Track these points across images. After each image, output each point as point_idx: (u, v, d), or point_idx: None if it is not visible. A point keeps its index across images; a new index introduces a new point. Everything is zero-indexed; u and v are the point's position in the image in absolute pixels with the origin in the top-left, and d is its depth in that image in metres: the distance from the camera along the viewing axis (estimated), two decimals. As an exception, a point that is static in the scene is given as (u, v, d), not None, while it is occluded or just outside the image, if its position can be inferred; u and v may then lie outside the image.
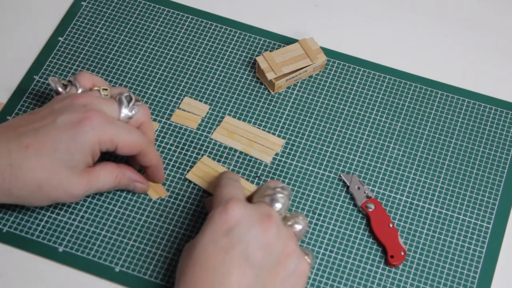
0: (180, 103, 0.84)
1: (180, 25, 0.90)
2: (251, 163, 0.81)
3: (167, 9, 0.91)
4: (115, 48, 0.88)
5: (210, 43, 0.89)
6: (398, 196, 0.79)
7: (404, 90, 0.86)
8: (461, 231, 0.77)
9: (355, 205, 0.78)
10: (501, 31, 0.91)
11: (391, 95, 0.85)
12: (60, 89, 0.75)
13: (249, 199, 0.73)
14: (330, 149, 0.82)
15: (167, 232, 0.76)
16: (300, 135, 0.82)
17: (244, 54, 0.88)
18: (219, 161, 0.81)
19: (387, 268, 0.75)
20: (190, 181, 0.79)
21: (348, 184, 0.79)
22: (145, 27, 0.90)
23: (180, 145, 0.82)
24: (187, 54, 0.88)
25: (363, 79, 0.86)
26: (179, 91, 0.85)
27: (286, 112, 0.84)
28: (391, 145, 0.82)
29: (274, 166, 0.80)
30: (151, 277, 0.74)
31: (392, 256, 0.75)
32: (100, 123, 0.71)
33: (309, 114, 0.84)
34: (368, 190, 0.78)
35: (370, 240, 0.76)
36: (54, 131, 0.70)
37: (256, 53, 0.88)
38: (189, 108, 0.84)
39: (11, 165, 0.70)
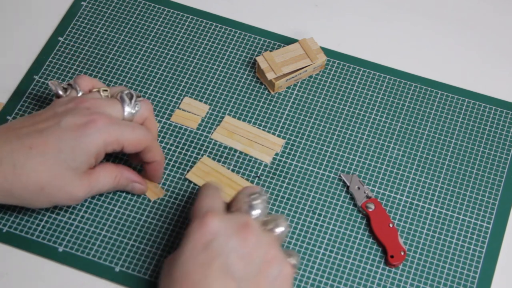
0: (180, 103, 0.84)
1: (180, 25, 0.90)
2: (251, 163, 0.81)
3: (167, 9, 0.91)
4: (115, 48, 0.88)
5: (210, 43, 0.89)
6: (398, 196, 0.79)
7: (404, 90, 0.86)
8: (461, 231, 0.77)
9: (355, 205, 0.78)
10: (501, 31, 0.91)
11: (391, 95, 0.85)
12: (60, 92, 0.76)
13: (229, 206, 0.72)
14: (330, 149, 0.82)
15: (167, 232, 0.76)
16: (300, 135, 0.82)
17: (244, 54, 0.88)
18: (219, 161, 0.81)
19: (387, 268, 0.75)
20: (190, 181, 0.79)
21: (348, 184, 0.79)
22: (145, 27, 0.90)
23: (180, 145, 0.82)
24: (187, 54, 0.88)
25: (363, 79, 0.86)
26: (179, 91, 0.85)
27: (286, 112, 0.84)
28: (391, 145, 0.82)
29: (274, 166, 0.80)
30: (151, 277, 0.74)
31: (392, 256, 0.75)
32: (105, 124, 0.71)
33: (309, 114, 0.84)
34: (368, 190, 0.78)
35: (370, 240, 0.76)
36: (58, 133, 0.70)
37: (256, 53, 0.88)
38: (189, 108, 0.84)
39: (14, 165, 0.69)
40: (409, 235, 0.77)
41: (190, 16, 0.90)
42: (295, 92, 0.85)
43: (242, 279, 0.65)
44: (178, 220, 0.77)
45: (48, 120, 0.72)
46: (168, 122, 0.83)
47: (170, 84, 0.85)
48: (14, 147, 0.70)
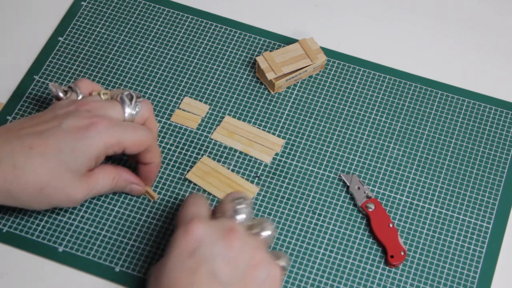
0: (180, 103, 0.84)
1: (180, 25, 0.90)
2: (251, 163, 0.81)
3: (167, 9, 0.91)
4: (115, 48, 0.88)
5: (210, 43, 0.89)
6: (398, 196, 0.79)
7: (404, 90, 0.86)
8: (461, 231, 0.77)
9: (355, 205, 0.78)
10: (501, 31, 0.91)
11: (391, 95, 0.85)
12: (61, 95, 0.76)
13: (214, 212, 0.72)
14: (330, 149, 0.82)
15: (167, 232, 0.76)
16: (300, 135, 0.82)
17: (244, 54, 0.88)
18: (219, 161, 0.81)
19: (387, 268, 0.75)
20: (190, 181, 0.79)
21: (348, 184, 0.79)
22: (145, 27, 0.90)
23: (180, 145, 0.82)
24: (187, 54, 0.88)
25: (363, 79, 0.86)
26: (179, 91, 0.85)
27: (286, 112, 0.84)
28: (391, 145, 0.82)
29: (274, 166, 0.81)
30: (151, 277, 0.74)
31: (392, 256, 0.75)
32: (106, 127, 0.71)
33: (309, 114, 0.84)
34: (368, 190, 0.78)
35: (370, 240, 0.76)
36: (59, 134, 0.70)
37: (256, 53, 0.88)
38: (189, 108, 0.84)
39: (14, 166, 0.69)
40: (409, 235, 0.77)
41: (190, 16, 0.90)
42: (295, 92, 0.85)
43: (228, 284, 0.65)
44: (178, 220, 0.77)
45: (49, 122, 0.72)
46: (168, 122, 0.83)
47: (170, 84, 0.86)
48: (14, 147, 0.70)
